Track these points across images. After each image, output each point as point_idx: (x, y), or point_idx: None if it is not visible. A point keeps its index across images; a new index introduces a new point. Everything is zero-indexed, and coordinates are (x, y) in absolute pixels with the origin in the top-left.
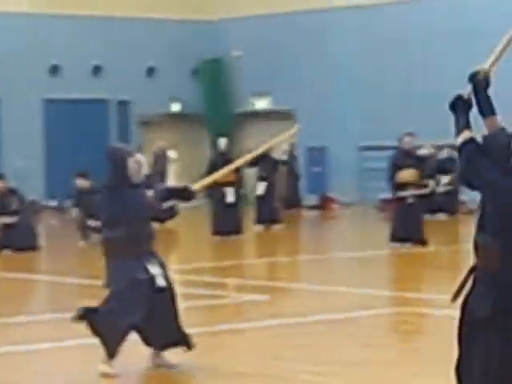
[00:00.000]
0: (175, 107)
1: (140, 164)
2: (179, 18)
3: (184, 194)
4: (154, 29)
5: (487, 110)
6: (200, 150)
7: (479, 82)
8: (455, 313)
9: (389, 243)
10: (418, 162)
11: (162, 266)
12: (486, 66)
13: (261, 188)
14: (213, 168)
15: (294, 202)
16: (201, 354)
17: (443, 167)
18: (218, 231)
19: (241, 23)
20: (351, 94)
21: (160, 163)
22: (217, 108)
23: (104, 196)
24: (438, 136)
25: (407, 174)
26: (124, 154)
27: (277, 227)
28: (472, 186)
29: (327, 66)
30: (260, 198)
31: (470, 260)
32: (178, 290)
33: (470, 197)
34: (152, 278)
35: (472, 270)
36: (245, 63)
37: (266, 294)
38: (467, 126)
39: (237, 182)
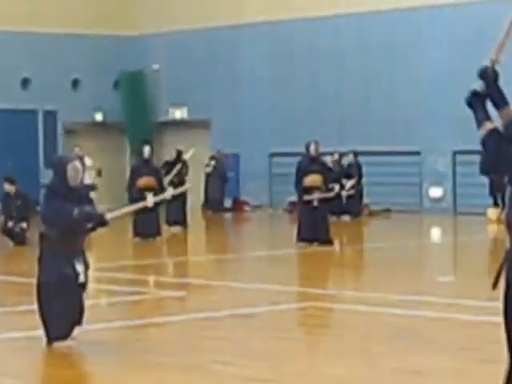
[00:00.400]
0: (98, 117)
1: (77, 170)
2: (102, 34)
3: (100, 221)
4: (78, 44)
5: (500, 102)
6: (121, 157)
7: (489, 77)
8: (358, 307)
9: (296, 243)
10: (323, 167)
11: (86, 264)
12: (491, 55)
13: (169, 193)
14: (135, 174)
15: (220, 205)
16: (122, 347)
17: (348, 172)
18: (138, 233)
19: (159, 39)
20: (262, 105)
21: None
22: (137, 117)
23: (44, 196)
24: (342, 143)
25: (313, 179)
26: (64, 161)
27: (182, 229)
28: (498, 172)
29: (240, 78)
30: (169, 202)
31: (373, 258)
32: (103, 286)
33: (373, 200)
34: (76, 275)
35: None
36: (163, 76)
37: (182, 290)
38: (487, 117)
39: (157, 187)
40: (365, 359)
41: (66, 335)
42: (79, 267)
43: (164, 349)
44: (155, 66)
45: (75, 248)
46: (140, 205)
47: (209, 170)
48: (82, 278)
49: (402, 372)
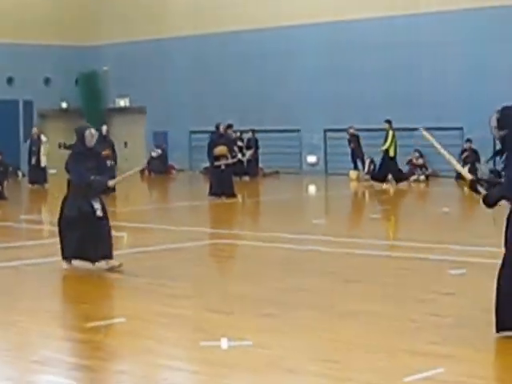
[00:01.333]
0: (64, 105)
1: (92, 135)
2: (67, 44)
3: (104, 187)
4: (49, 52)
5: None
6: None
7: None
8: (255, 243)
9: (208, 197)
10: (228, 141)
11: (102, 203)
12: (468, 176)
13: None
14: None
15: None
16: (87, 273)
17: (248, 144)
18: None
19: (108, 48)
20: (184, 96)
21: (35, 144)
22: (92, 106)
23: (70, 155)
24: (243, 124)
25: (221, 150)
26: (82, 129)
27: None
28: None
29: (167, 76)
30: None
31: (266, 207)
32: None
33: (266, 164)
34: (94, 211)
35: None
36: (111, 75)
37: (123, 231)
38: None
39: (111, 156)
40: (260, 280)
41: (79, 257)
42: (96, 205)
43: (111, 275)
44: (105, 68)
45: (93, 193)
46: (132, 172)
47: (155, 154)
48: (99, 213)
49: (288, 290)
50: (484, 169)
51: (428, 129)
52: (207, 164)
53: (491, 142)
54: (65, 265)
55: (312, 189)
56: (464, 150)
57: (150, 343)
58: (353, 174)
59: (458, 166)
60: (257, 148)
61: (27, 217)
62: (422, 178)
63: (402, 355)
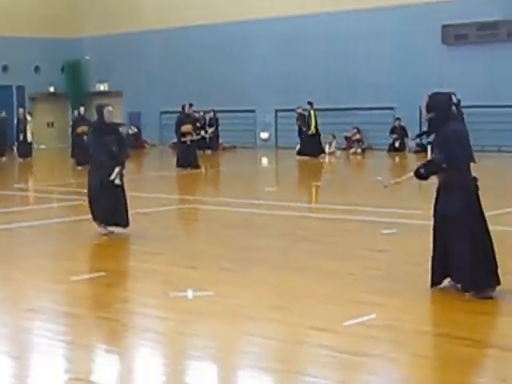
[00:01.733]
0: (51, 89)
1: (110, 112)
2: (54, 37)
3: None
4: (39, 43)
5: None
6: (65, 115)
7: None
8: (217, 207)
9: (176, 168)
10: (194, 119)
11: (121, 173)
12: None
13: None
14: (75, 125)
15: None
16: (73, 231)
17: (210, 123)
18: (78, 162)
19: (90, 40)
20: (155, 81)
21: (22, 122)
22: (76, 90)
23: (91, 131)
24: (205, 105)
25: (187, 127)
26: (102, 107)
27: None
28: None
29: (142, 65)
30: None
31: (226, 177)
32: (55, 196)
33: (225, 140)
34: (113, 180)
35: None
36: (92, 63)
37: None
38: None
39: (88, 132)
40: (221, 240)
41: (104, 220)
42: (115, 174)
43: (93, 233)
44: (87, 57)
45: (111, 165)
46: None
47: (131, 131)
48: (117, 182)
49: (245, 248)
50: (411, 144)
51: (364, 108)
52: (175, 140)
53: (417, 121)
54: (96, 226)
55: (264, 161)
56: (394, 127)
57: (127, 294)
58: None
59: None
60: (217, 126)
61: (20, 186)
62: (359, 151)
63: (342, 304)
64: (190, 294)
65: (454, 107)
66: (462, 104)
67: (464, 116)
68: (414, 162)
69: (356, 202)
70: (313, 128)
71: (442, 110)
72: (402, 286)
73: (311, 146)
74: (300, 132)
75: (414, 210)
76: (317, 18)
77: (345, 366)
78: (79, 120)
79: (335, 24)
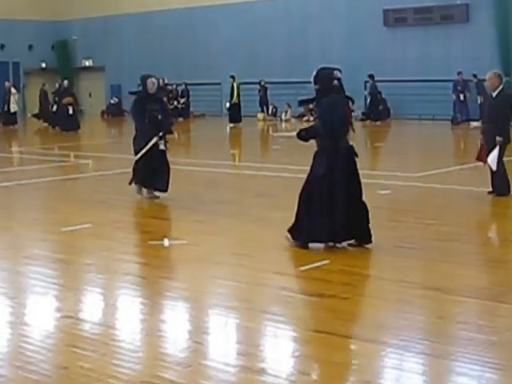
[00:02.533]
0: (43, 65)
1: (153, 83)
2: (45, 19)
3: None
4: (32, 25)
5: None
6: (55, 87)
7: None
8: (189, 168)
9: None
10: (168, 91)
11: (165, 140)
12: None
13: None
14: (61, 96)
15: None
16: (56, 190)
17: (182, 94)
18: (64, 129)
19: (76, 22)
20: (134, 56)
21: (7, 94)
22: (64, 65)
23: (134, 100)
24: (179, 78)
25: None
26: (145, 77)
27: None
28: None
29: (122, 41)
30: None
31: (195, 140)
32: (43, 157)
33: (196, 109)
34: (157, 144)
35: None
36: (79, 42)
37: (88, 159)
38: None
39: (74, 102)
40: (192, 195)
41: (143, 183)
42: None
43: (80, 190)
44: (74, 37)
45: (155, 131)
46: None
47: (113, 101)
48: (161, 146)
49: (213, 202)
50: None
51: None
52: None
53: (362, 94)
54: (136, 188)
55: (229, 127)
56: None
57: (110, 243)
58: (260, 115)
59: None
60: (188, 97)
61: (13, 149)
62: (311, 118)
63: (298, 251)
64: (166, 242)
65: (336, 81)
66: (402, 79)
67: (344, 89)
68: (358, 128)
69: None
70: (235, 98)
71: (325, 83)
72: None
73: (234, 114)
74: (260, 101)
75: (360, 170)
76: (277, 2)
77: (302, 305)
78: (63, 92)
79: (293, 8)
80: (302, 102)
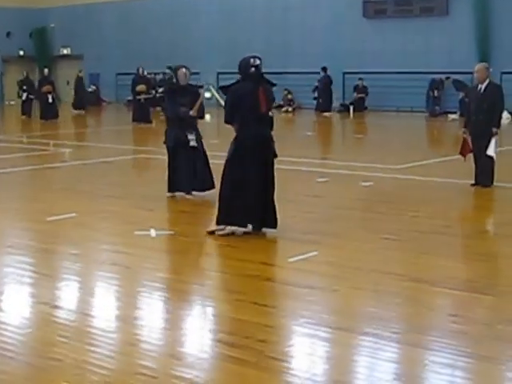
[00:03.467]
0: (21, 53)
1: (184, 74)
2: (23, 7)
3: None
4: (10, 12)
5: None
6: (33, 76)
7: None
8: (159, 156)
9: (132, 122)
10: (147, 80)
11: (198, 135)
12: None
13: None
14: (41, 84)
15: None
16: (37, 179)
17: (160, 84)
18: (43, 117)
19: (55, 10)
20: (112, 44)
21: None
22: (42, 53)
23: (165, 92)
24: (156, 67)
25: (141, 87)
26: (176, 68)
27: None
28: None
29: (100, 29)
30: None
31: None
32: (23, 145)
33: None
34: (188, 141)
35: None
36: (57, 30)
37: (69, 148)
38: None
39: (53, 91)
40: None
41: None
42: (190, 136)
43: (62, 179)
44: (52, 25)
45: (187, 124)
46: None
47: (91, 90)
48: (192, 143)
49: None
50: (335, 104)
51: (295, 73)
52: (130, 98)
53: (341, 84)
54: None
55: (207, 117)
56: (316, 87)
57: (96, 233)
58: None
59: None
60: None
61: None
62: (290, 109)
63: (286, 243)
64: (152, 232)
65: (253, 69)
66: (381, 70)
67: (265, 77)
68: (337, 120)
69: (291, 153)
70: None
71: (243, 71)
72: (337, 227)
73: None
74: None
75: (341, 162)
76: None
77: (292, 296)
78: (43, 80)
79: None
80: (221, 88)
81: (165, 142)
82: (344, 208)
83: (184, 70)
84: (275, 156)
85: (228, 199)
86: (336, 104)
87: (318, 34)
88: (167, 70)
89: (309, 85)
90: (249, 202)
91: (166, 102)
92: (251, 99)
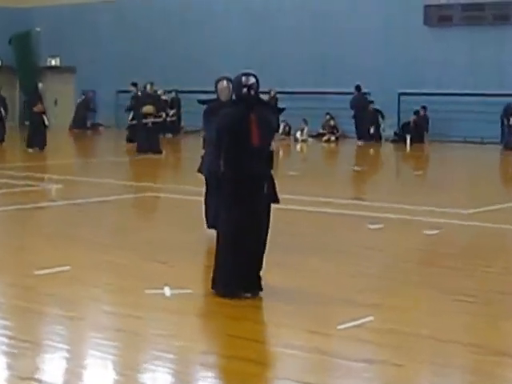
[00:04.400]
0: None
1: (226, 88)
2: (0, 6)
3: None
4: None
5: None
6: (13, 91)
7: None
8: (179, 196)
9: (136, 153)
10: (155, 100)
11: None
12: None
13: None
14: (31, 102)
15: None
16: (22, 222)
17: (171, 104)
18: (30, 145)
19: (41, 10)
20: (112, 56)
21: None
22: (24, 64)
23: (204, 112)
24: (168, 84)
25: (148, 108)
26: (216, 81)
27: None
28: None
29: (97, 38)
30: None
31: (187, 163)
32: (3, 180)
33: (187, 123)
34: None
35: None
36: (43, 35)
37: (60, 183)
38: None
39: (45, 111)
40: (190, 231)
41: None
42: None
43: (51, 223)
44: (37, 29)
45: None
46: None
47: (79, 100)
48: None
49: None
50: (387, 131)
51: (337, 93)
52: (134, 122)
53: (396, 107)
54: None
55: None
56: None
57: (94, 291)
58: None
59: None
60: (179, 108)
61: None
62: (333, 138)
63: (334, 304)
64: (167, 291)
65: (245, 90)
66: (444, 91)
67: (263, 100)
68: (390, 151)
69: (334, 193)
70: None
71: (236, 92)
72: (397, 285)
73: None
74: None
75: (398, 204)
76: None
77: (345, 373)
78: (36, 98)
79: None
80: (199, 102)
81: (199, 170)
82: (404, 261)
83: (225, 82)
84: (274, 201)
85: (219, 258)
86: (389, 132)
87: (365, 45)
88: (132, 87)
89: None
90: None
91: (203, 122)
92: (240, 128)
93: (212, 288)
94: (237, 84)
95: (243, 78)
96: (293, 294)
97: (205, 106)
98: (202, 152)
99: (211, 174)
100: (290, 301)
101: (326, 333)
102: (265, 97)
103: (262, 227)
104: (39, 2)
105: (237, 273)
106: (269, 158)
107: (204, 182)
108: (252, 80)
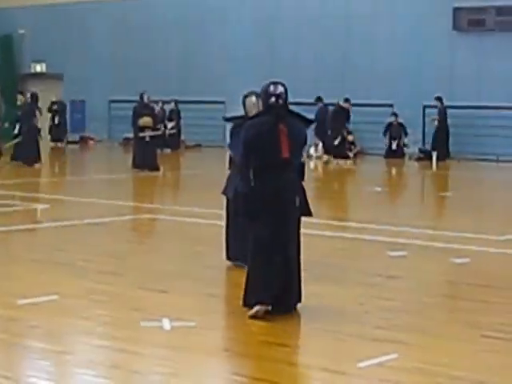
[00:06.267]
0: None
1: (254, 104)
2: None
3: None
4: None
5: None
6: None
7: None
8: (178, 218)
9: (132, 169)
10: (153, 112)
11: None
12: None
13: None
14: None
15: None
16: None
17: (170, 116)
18: (15, 158)
19: (24, 10)
20: (104, 62)
21: None
22: (5, 70)
23: (232, 129)
24: (166, 94)
25: (145, 121)
26: (244, 96)
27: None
28: None
29: (87, 42)
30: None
31: (187, 181)
32: None
33: (188, 137)
34: None
35: None
36: (27, 38)
37: (47, 203)
38: None
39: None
40: (192, 257)
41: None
42: None
43: (38, 247)
44: (21, 31)
45: None
46: None
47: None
48: None
49: (225, 268)
50: (411, 148)
51: (357, 105)
52: (129, 135)
53: (421, 120)
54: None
55: None
56: (389, 125)
57: (85, 324)
58: None
59: None
60: (179, 120)
61: None
62: (351, 155)
63: (354, 340)
64: (166, 324)
65: (273, 99)
66: (475, 104)
67: (292, 111)
68: (414, 169)
69: (353, 216)
70: None
71: (263, 101)
72: (422, 320)
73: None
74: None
75: (423, 229)
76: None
77: None
78: (32, 108)
79: (337, 5)
80: (226, 120)
81: (224, 192)
82: (430, 293)
83: (254, 98)
84: (306, 214)
85: (250, 269)
86: (414, 149)
87: (387, 52)
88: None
89: (374, 122)
90: (267, 273)
91: (230, 140)
92: (269, 139)
93: (243, 306)
94: (264, 93)
95: (271, 87)
96: (309, 330)
97: (231, 124)
98: (228, 172)
99: (236, 198)
100: (306, 336)
101: (346, 371)
102: None
103: (293, 241)
104: (22, 1)
105: (268, 287)
106: (300, 171)
107: (225, 206)
108: (280, 89)
